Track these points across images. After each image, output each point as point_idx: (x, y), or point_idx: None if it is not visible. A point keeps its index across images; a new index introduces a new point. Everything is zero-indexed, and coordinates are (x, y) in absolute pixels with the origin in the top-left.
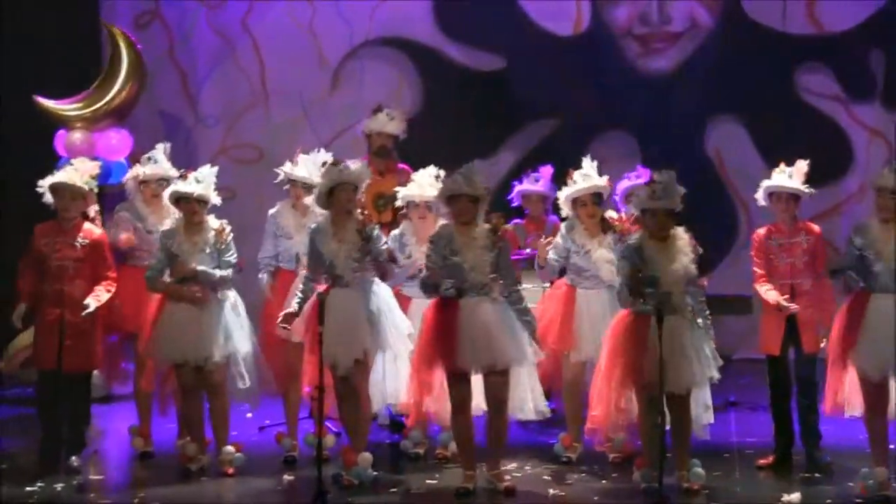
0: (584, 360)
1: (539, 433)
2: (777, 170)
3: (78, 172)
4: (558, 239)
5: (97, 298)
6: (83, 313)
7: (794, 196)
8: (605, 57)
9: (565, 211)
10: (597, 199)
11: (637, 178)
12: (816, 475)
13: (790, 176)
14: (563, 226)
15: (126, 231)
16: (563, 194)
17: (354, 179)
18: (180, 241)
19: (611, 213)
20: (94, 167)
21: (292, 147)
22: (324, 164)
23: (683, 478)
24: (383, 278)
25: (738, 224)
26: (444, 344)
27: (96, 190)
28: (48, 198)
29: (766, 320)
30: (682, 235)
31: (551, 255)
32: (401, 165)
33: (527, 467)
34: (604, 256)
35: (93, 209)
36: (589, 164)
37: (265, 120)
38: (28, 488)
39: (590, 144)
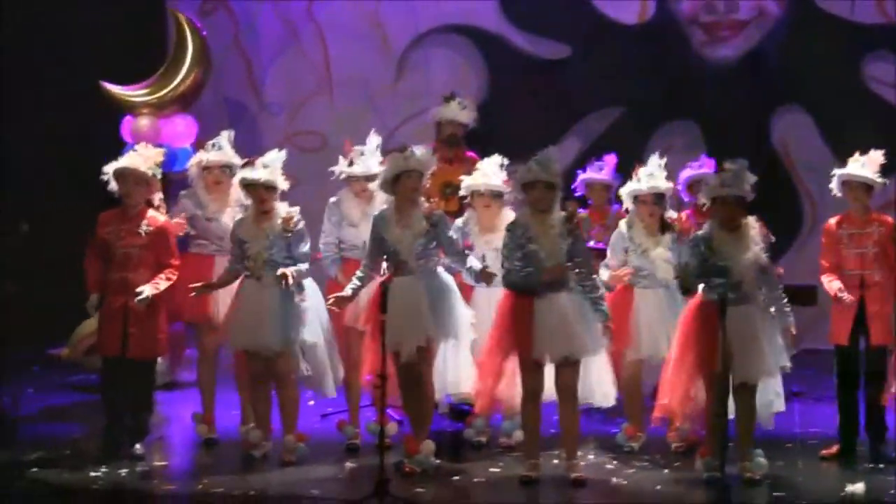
0: (641, 359)
1: (602, 422)
2: (852, 159)
3: (142, 158)
4: (615, 237)
5: (155, 286)
6: (137, 300)
7: (866, 186)
8: (669, 45)
9: (626, 205)
10: (658, 199)
11: (700, 167)
12: (880, 466)
13: (863, 165)
14: (622, 223)
15: (178, 217)
16: (625, 190)
17: (420, 167)
18: (247, 227)
19: (670, 214)
20: (158, 154)
21: (357, 135)
22: (377, 147)
23: (746, 468)
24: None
25: (804, 214)
26: (520, 333)
27: (160, 176)
28: (112, 185)
29: (835, 311)
30: (753, 224)
31: (610, 260)
32: (469, 153)
33: (589, 456)
34: (661, 255)
35: (157, 197)
36: (656, 163)
37: (329, 108)
38: (92, 474)
39: (654, 134)
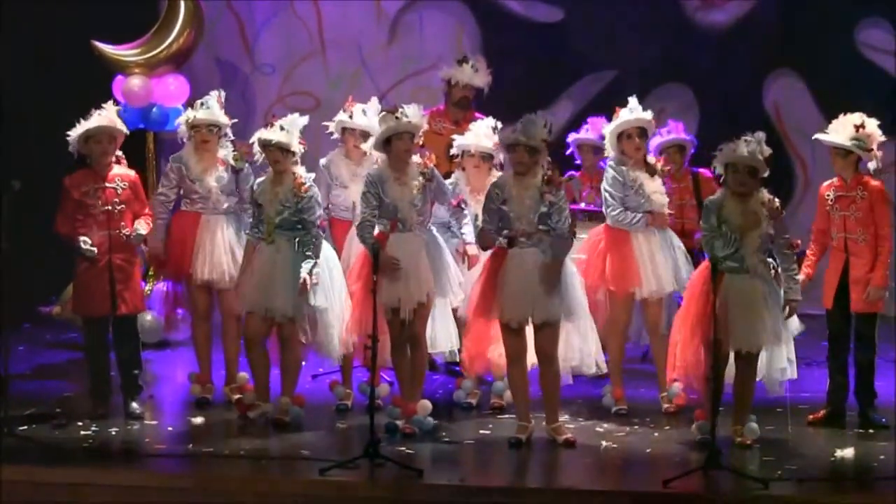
0: (645, 297)
1: (591, 385)
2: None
3: (111, 115)
4: (611, 178)
5: (147, 224)
6: (133, 235)
7: (844, 150)
8: (663, 9)
9: (609, 150)
10: (642, 133)
11: (668, 133)
12: (870, 431)
13: (835, 130)
14: (610, 163)
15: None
16: (608, 129)
17: (411, 128)
18: (263, 190)
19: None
20: (117, 110)
21: (350, 96)
22: (378, 111)
23: (737, 432)
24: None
25: (796, 179)
26: (494, 294)
27: (127, 132)
28: (76, 147)
29: (826, 273)
30: (764, 196)
31: (613, 201)
32: (478, 115)
33: (579, 419)
34: (657, 188)
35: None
36: (635, 102)
37: (323, 69)
38: (82, 432)
39: (647, 97)
